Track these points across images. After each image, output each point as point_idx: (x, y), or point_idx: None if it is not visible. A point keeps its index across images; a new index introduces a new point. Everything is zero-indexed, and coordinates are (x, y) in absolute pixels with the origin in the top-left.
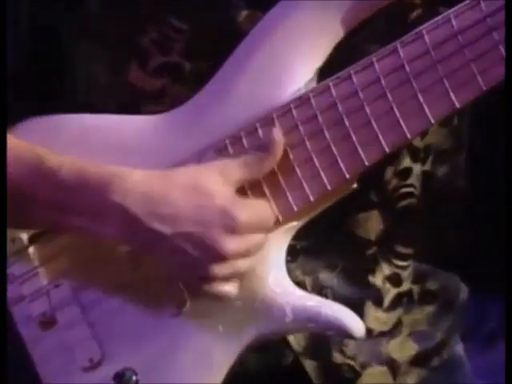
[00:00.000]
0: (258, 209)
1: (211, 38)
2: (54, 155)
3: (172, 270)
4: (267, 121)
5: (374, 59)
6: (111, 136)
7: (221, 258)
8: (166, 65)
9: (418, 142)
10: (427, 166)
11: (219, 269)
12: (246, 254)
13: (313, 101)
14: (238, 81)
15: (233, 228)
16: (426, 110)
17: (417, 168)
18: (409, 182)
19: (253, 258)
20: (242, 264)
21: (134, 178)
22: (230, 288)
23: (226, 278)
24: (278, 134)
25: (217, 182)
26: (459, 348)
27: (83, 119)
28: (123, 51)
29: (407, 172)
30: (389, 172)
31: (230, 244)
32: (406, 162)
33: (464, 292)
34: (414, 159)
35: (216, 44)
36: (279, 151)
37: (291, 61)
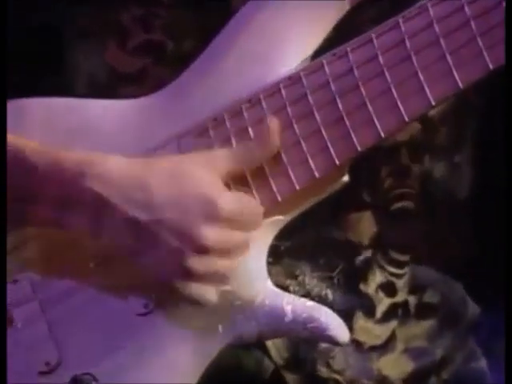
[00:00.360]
0: (246, 203)
1: (197, 15)
2: (25, 140)
3: (145, 262)
4: (253, 102)
5: (374, 35)
6: (87, 120)
7: (200, 248)
8: (147, 43)
9: (417, 139)
10: (426, 165)
11: (198, 262)
12: (226, 251)
13: (304, 80)
14: (225, 60)
15: (215, 217)
16: (427, 91)
17: (415, 167)
18: (406, 181)
19: (233, 261)
20: (221, 263)
21: (109, 164)
22: (208, 292)
23: (205, 278)
24: (274, 123)
25: (202, 170)
26: (481, 364)
27: (52, 103)
28: (101, 29)
29: (405, 171)
30: (385, 170)
31: (211, 234)
32: (404, 160)
33: (474, 307)
34: (413, 158)
35: (202, 21)
36: (275, 144)
37: (284, 39)
